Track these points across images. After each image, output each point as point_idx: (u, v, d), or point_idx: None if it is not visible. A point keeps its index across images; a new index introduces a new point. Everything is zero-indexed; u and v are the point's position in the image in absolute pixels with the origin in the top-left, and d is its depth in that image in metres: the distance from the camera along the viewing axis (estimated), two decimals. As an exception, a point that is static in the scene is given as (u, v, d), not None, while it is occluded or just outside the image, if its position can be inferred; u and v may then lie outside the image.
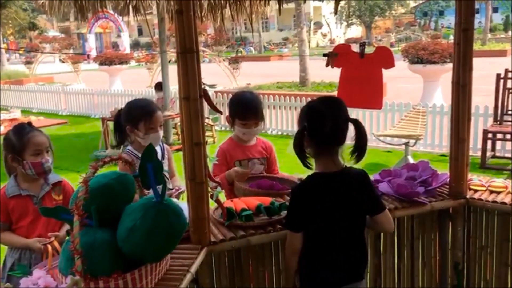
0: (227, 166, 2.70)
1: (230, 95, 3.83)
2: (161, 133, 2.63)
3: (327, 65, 2.55)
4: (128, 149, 2.62)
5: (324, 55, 2.53)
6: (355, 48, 2.70)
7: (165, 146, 2.82)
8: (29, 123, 2.45)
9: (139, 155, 2.46)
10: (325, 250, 1.98)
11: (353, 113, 7.62)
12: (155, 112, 2.59)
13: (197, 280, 1.97)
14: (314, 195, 1.93)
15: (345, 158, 1.97)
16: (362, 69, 2.50)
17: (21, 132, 2.36)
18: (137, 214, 1.52)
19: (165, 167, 2.73)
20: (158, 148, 2.69)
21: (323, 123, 1.88)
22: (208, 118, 8.16)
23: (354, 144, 1.93)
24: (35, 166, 2.33)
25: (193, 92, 1.84)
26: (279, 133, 9.06)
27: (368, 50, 2.64)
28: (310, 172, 1.99)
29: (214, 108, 2.17)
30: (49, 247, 1.95)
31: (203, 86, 1.90)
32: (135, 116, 2.57)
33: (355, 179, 1.99)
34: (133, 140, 2.63)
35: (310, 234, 1.95)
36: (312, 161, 1.97)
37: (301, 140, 1.92)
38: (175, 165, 2.88)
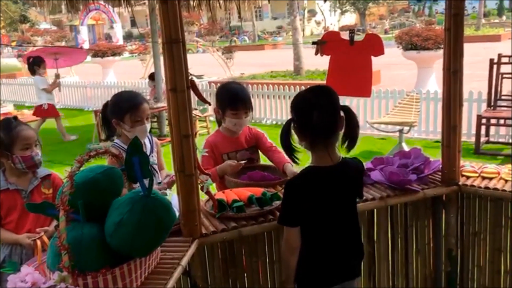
0: (214, 159, 2.68)
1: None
2: (148, 125, 2.57)
3: (316, 53, 2.52)
4: (116, 143, 2.57)
5: (313, 43, 2.50)
6: (346, 35, 2.67)
7: (154, 139, 2.77)
8: (15, 117, 2.42)
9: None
10: (322, 246, 1.94)
11: (347, 100, 7.62)
12: (141, 104, 2.53)
13: (190, 273, 1.96)
14: (308, 190, 1.87)
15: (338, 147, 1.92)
16: (351, 57, 2.47)
17: (8, 127, 2.34)
18: (124, 208, 1.50)
19: (154, 160, 2.70)
20: (146, 141, 2.65)
21: (311, 113, 1.81)
22: (196, 109, 8.12)
23: (343, 132, 1.87)
24: (25, 160, 2.31)
25: (180, 83, 1.81)
26: (273, 122, 9.03)
27: (362, 37, 2.61)
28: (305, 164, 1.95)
29: (202, 99, 2.14)
30: (38, 242, 1.93)
31: (190, 77, 1.87)
32: (121, 109, 2.51)
33: (352, 173, 1.96)
34: (120, 134, 2.58)
35: (306, 230, 1.91)
36: (301, 155, 1.92)
37: (288, 132, 1.86)
38: (163, 159, 2.85)
